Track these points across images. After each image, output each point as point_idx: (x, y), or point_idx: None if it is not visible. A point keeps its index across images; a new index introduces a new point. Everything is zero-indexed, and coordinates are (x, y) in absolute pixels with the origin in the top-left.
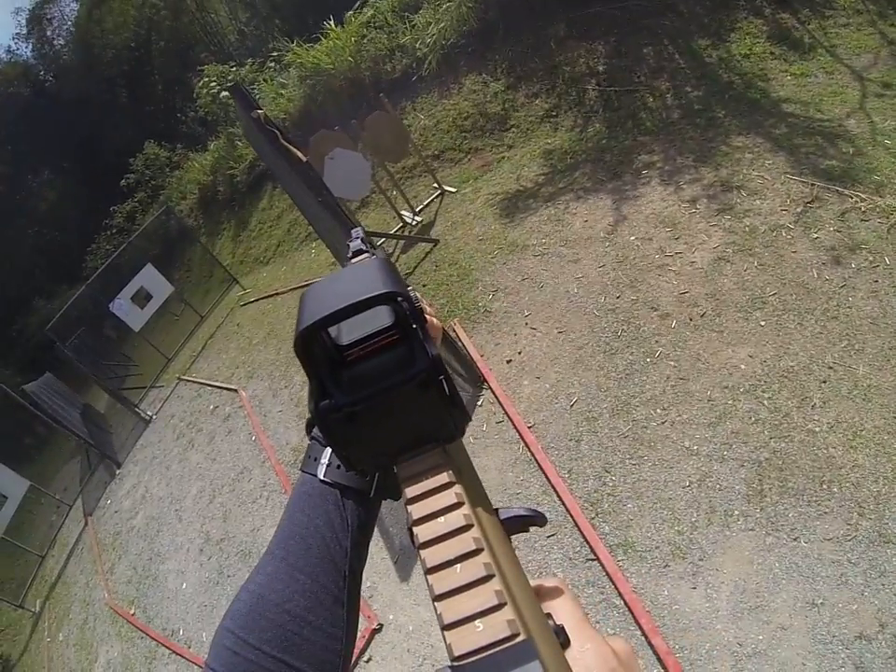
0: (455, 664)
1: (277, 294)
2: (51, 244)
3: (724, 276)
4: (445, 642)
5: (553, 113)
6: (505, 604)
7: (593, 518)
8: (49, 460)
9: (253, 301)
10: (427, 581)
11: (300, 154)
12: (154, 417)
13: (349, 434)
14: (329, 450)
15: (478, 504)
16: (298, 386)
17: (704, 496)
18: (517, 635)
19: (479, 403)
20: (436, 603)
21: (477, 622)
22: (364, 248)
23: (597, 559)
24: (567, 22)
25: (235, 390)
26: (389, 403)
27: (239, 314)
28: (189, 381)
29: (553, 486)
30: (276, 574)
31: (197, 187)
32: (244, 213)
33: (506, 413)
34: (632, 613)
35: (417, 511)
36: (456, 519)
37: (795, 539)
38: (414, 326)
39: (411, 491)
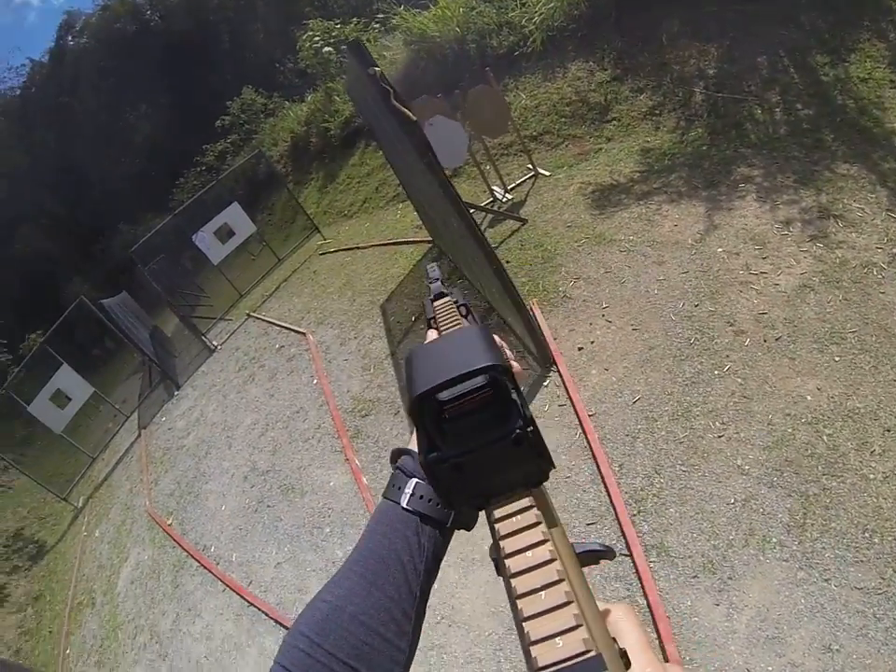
0: None
1: (358, 248)
2: (142, 174)
3: (806, 304)
4: (530, 656)
5: (657, 111)
6: (581, 625)
7: (634, 515)
8: (113, 373)
9: (332, 252)
10: (516, 605)
11: (410, 115)
12: (219, 347)
13: (452, 480)
14: (413, 481)
15: (558, 541)
16: (366, 339)
17: (746, 516)
18: (590, 651)
19: (545, 384)
20: (524, 624)
21: (558, 639)
22: (444, 291)
23: (631, 556)
24: (681, 20)
25: (304, 333)
26: (487, 455)
27: (316, 262)
28: (257, 318)
29: (602, 477)
30: (354, 589)
31: (290, 135)
32: (333, 166)
33: (570, 398)
34: (652, 615)
35: (509, 546)
36: (542, 554)
37: (826, 581)
38: (510, 387)
39: (503, 528)
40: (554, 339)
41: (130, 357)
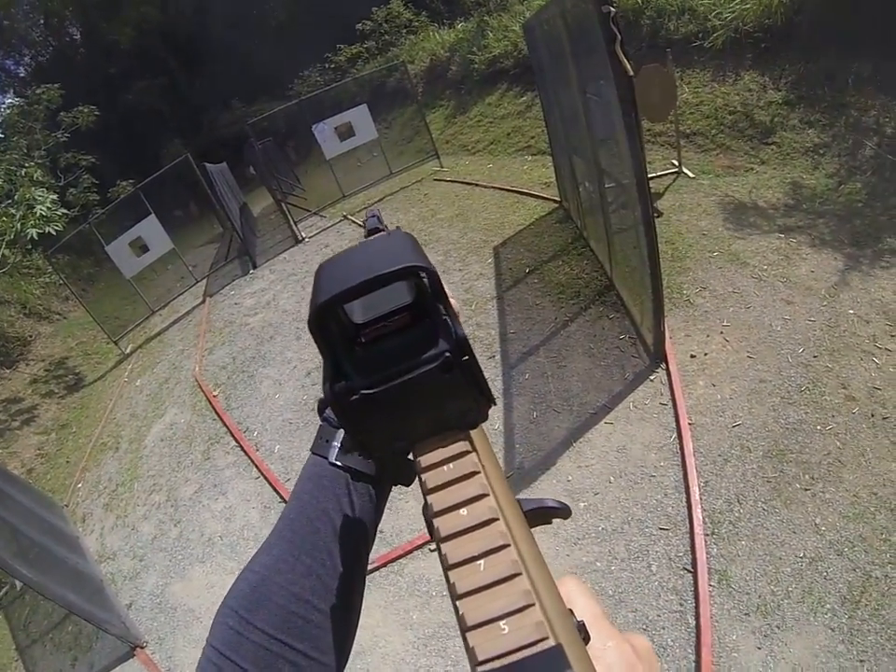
0: (479, 668)
1: (478, 185)
2: (267, 58)
3: None
4: (467, 645)
5: (820, 151)
6: (532, 605)
7: (707, 535)
8: (189, 237)
9: (447, 181)
10: (447, 578)
11: (629, 67)
12: (307, 240)
13: (365, 418)
14: (341, 432)
15: (501, 494)
16: (472, 274)
17: (809, 574)
18: (545, 639)
19: (651, 378)
20: (457, 602)
21: (502, 623)
22: (380, 227)
23: (693, 573)
24: (874, 66)
25: None
26: (409, 386)
27: (428, 186)
28: (354, 222)
29: (686, 487)
30: (282, 556)
31: (429, 57)
32: (467, 99)
33: (674, 400)
34: (698, 638)
35: (438, 501)
36: (481, 511)
37: (861, 661)
38: (438, 304)
39: (431, 480)
40: (670, 337)
41: (209, 226)
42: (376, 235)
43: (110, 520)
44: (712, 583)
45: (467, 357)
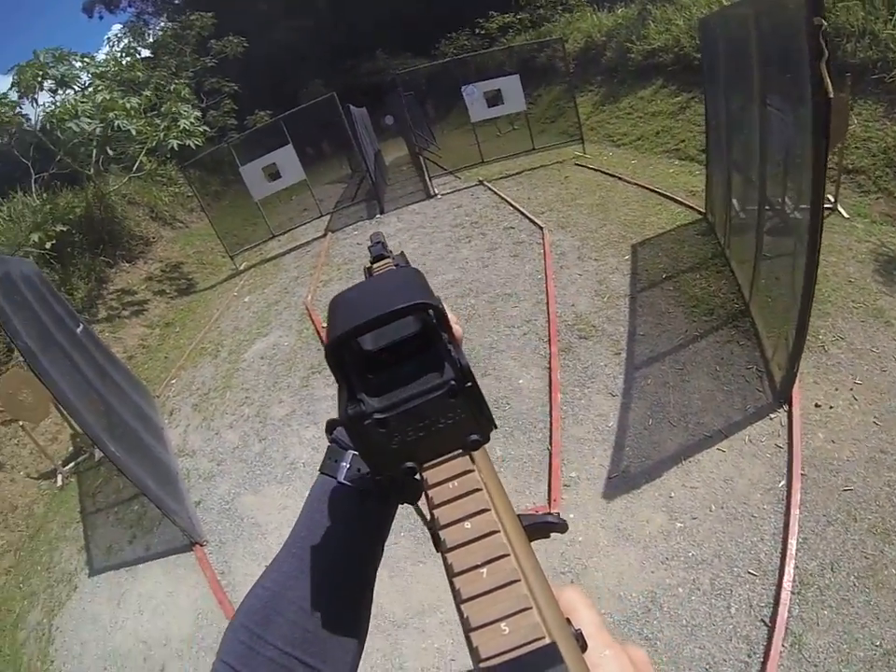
0: (482, 665)
1: (621, 179)
2: (416, 14)
3: None
4: (471, 645)
5: None
6: (530, 608)
7: (793, 593)
8: (320, 174)
9: (590, 168)
10: (452, 584)
11: (830, 88)
12: (439, 196)
13: (378, 440)
14: (349, 453)
15: (502, 510)
16: (608, 268)
17: (880, 666)
18: (542, 637)
19: (771, 416)
20: (462, 606)
21: (503, 624)
22: (384, 253)
23: (770, 628)
24: None
25: (541, 228)
26: (418, 411)
27: (570, 169)
28: (490, 189)
29: (784, 538)
30: (292, 573)
31: (584, 39)
32: (619, 89)
33: (790, 445)
34: None
35: (444, 515)
36: (483, 524)
37: None
38: (443, 335)
39: (437, 496)
40: (798, 382)
41: (336, 166)
42: (384, 262)
43: (196, 420)
44: (785, 644)
45: (470, 384)
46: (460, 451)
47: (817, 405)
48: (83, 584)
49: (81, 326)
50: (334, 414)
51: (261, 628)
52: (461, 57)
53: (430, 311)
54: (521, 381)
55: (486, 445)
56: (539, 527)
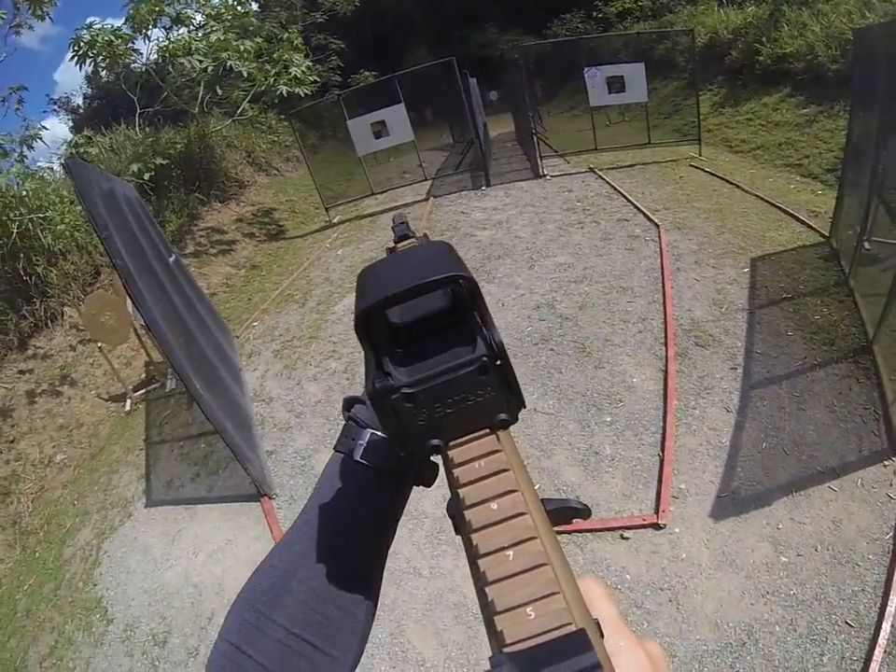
0: (507, 650)
1: (738, 187)
2: None
3: None
4: (495, 629)
5: None
6: (558, 592)
7: (886, 652)
8: (423, 138)
9: (706, 172)
10: (478, 566)
11: None
12: (549, 177)
13: (404, 415)
14: (367, 431)
15: (527, 492)
16: (726, 278)
17: None
18: (569, 623)
19: (885, 463)
20: (486, 588)
21: (529, 609)
22: (409, 234)
23: None
24: None
25: (657, 225)
26: (446, 387)
27: (684, 170)
28: (602, 177)
29: (885, 593)
30: (303, 552)
31: (709, 34)
32: (742, 92)
33: None
34: None
35: (470, 495)
36: (510, 505)
37: None
38: (476, 311)
39: (463, 475)
40: None
41: (437, 134)
42: (408, 242)
43: (276, 366)
44: None
45: (501, 363)
46: (487, 430)
47: None
48: (138, 513)
49: (174, 256)
50: None
51: (268, 608)
52: (578, 38)
53: (462, 284)
54: (635, 379)
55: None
56: (563, 512)
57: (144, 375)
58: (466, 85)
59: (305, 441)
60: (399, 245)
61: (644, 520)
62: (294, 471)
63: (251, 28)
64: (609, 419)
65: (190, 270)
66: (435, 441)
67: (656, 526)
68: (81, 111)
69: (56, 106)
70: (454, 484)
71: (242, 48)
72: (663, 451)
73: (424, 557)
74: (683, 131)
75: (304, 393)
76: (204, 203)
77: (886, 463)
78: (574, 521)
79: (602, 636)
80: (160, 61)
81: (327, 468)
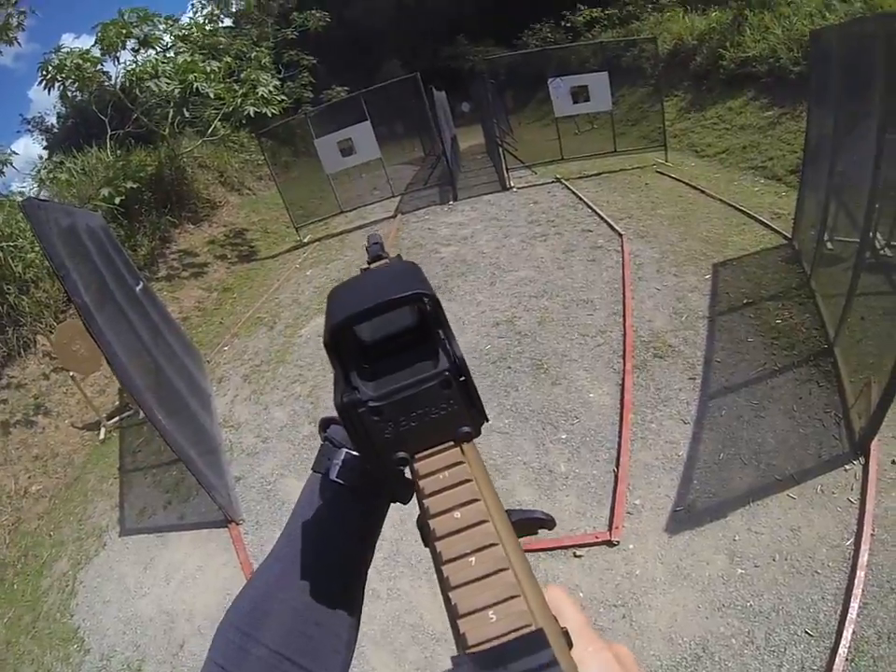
0: (470, 651)
1: (703, 192)
2: (499, 2)
3: None
4: (458, 632)
5: None
6: (518, 595)
7: (847, 660)
8: (392, 154)
9: (671, 178)
10: (441, 572)
11: None
12: (515, 189)
13: (371, 428)
14: (342, 451)
15: (491, 502)
16: (687, 285)
17: None
18: (529, 625)
19: (846, 467)
20: (450, 593)
21: (490, 612)
22: (382, 254)
23: None
24: None
25: (620, 235)
26: (411, 400)
27: (650, 176)
28: (568, 187)
29: (846, 601)
30: (284, 573)
31: (674, 41)
32: (706, 96)
33: (862, 502)
34: None
35: (434, 505)
36: (472, 514)
37: None
38: (439, 327)
39: (428, 486)
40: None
41: (409, 148)
42: (381, 263)
43: (245, 391)
44: None
45: (463, 377)
46: (451, 442)
47: (894, 461)
48: (112, 542)
49: (141, 283)
50: None
51: (252, 628)
52: (545, 49)
53: (426, 302)
54: (591, 395)
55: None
56: (527, 523)
57: (117, 403)
58: (431, 100)
59: (271, 465)
60: (372, 266)
61: (597, 537)
62: (260, 496)
63: (220, 47)
64: (564, 436)
65: (163, 294)
66: (401, 454)
67: (609, 543)
68: (55, 131)
69: (30, 126)
70: (420, 496)
71: (209, 68)
72: (617, 467)
73: (382, 579)
74: (651, 137)
75: (271, 418)
76: (176, 226)
77: (847, 467)
78: (539, 531)
79: (570, 644)
80: (126, 84)
81: (305, 488)
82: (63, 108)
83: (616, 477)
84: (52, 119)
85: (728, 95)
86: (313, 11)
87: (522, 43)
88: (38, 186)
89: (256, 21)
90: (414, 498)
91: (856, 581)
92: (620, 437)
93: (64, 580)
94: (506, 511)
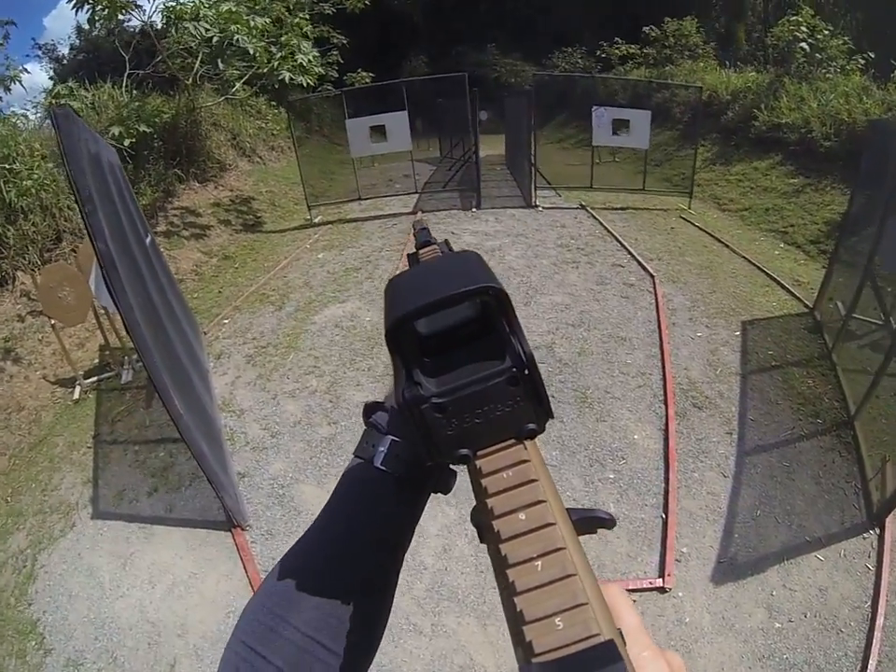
0: (536, 660)
1: (727, 246)
2: (537, 19)
3: None
4: (523, 639)
5: None
6: (586, 603)
7: None
8: (415, 147)
9: (696, 226)
10: (506, 576)
11: None
12: (541, 209)
13: (434, 425)
14: (388, 438)
15: (554, 503)
16: (719, 338)
17: None
18: (598, 634)
19: (864, 535)
20: (515, 599)
21: (557, 619)
22: (430, 240)
23: None
24: None
25: (652, 276)
26: (476, 397)
27: (675, 220)
28: (594, 216)
29: (865, 658)
30: (320, 555)
31: (707, 91)
32: (732, 152)
33: (878, 571)
34: None
35: (498, 505)
36: (539, 516)
37: None
38: (505, 321)
39: (492, 485)
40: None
41: (425, 146)
42: (430, 248)
43: (249, 374)
44: None
45: (531, 373)
46: (515, 440)
47: None
48: (83, 525)
49: (150, 236)
50: None
51: (284, 609)
52: (592, 76)
53: (491, 294)
54: (636, 436)
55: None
56: (588, 522)
57: (98, 361)
58: (474, 105)
59: (283, 466)
60: (420, 252)
61: (651, 583)
62: (271, 501)
63: (262, 6)
64: (612, 476)
65: (161, 251)
66: (464, 451)
67: (661, 590)
68: (66, 62)
69: (40, 52)
70: (481, 494)
71: (251, 23)
72: (666, 513)
73: (424, 613)
74: (673, 181)
75: (281, 410)
76: (182, 181)
77: (865, 535)
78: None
79: (624, 644)
80: (163, 21)
81: (347, 471)
82: (78, 41)
83: (665, 524)
84: (64, 50)
85: (755, 155)
86: None
87: (550, 63)
88: (46, 111)
89: None
90: (459, 496)
91: (873, 642)
92: (667, 484)
93: (21, 559)
94: (567, 508)
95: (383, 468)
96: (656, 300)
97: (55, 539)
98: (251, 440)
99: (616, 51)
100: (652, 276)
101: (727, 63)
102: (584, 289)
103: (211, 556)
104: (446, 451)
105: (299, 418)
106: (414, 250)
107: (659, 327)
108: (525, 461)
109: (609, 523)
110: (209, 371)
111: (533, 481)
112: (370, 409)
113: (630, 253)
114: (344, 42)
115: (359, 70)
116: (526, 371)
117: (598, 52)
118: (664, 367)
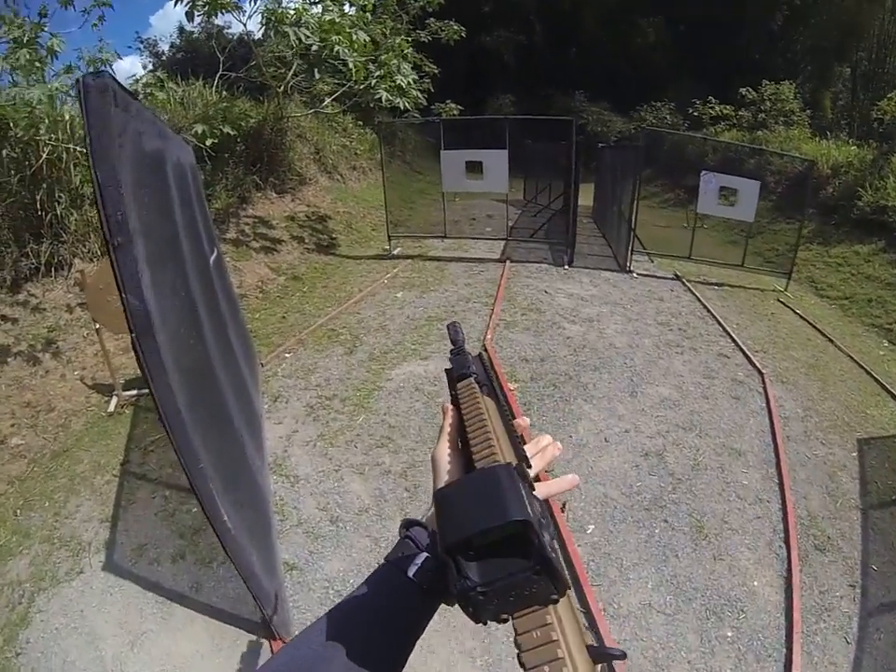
0: None
1: (832, 342)
2: (626, 71)
3: None
4: None
5: None
6: None
7: None
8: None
9: (795, 313)
10: None
11: None
12: (635, 275)
13: (478, 603)
14: (423, 555)
15: (576, 651)
16: (835, 458)
17: None
18: None
19: None
20: None
21: None
22: (467, 372)
23: None
24: None
25: (761, 373)
26: (510, 585)
27: (773, 305)
28: (691, 291)
29: None
30: (340, 644)
31: (807, 162)
32: (834, 233)
33: None
34: None
35: (529, 659)
36: (557, 669)
37: None
38: (535, 539)
39: (525, 643)
40: None
41: (517, 187)
42: (465, 385)
43: (308, 430)
44: None
45: (553, 568)
46: (542, 606)
47: None
48: (92, 574)
49: (216, 252)
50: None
51: None
52: (703, 137)
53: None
54: (755, 583)
55: None
56: (603, 657)
57: (139, 372)
58: (577, 150)
59: (342, 566)
60: (458, 386)
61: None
62: (323, 607)
63: (365, 23)
64: (730, 634)
65: (226, 259)
66: (504, 616)
67: None
68: (164, 58)
69: (141, 46)
70: (518, 648)
71: (354, 37)
72: None
73: None
74: (766, 256)
75: (345, 489)
76: (259, 189)
77: None
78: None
79: None
80: (262, 23)
81: (376, 574)
82: (178, 40)
83: None
84: (164, 47)
85: (857, 238)
86: (450, 22)
87: (638, 117)
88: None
89: (393, 14)
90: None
91: None
92: (790, 652)
93: (18, 592)
94: (588, 645)
95: (414, 578)
96: (768, 404)
97: (59, 581)
98: (305, 520)
99: (710, 111)
100: (762, 373)
101: (829, 134)
102: (692, 383)
103: (241, 665)
104: (489, 618)
105: (366, 504)
106: (453, 374)
107: (774, 440)
108: (548, 623)
109: (619, 656)
110: (262, 415)
111: (554, 641)
112: (409, 523)
113: (734, 341)
114: (436, 72)
115: (448, 101)
116: (549, 567)
117: (689, 110)
118: (783, 494)
